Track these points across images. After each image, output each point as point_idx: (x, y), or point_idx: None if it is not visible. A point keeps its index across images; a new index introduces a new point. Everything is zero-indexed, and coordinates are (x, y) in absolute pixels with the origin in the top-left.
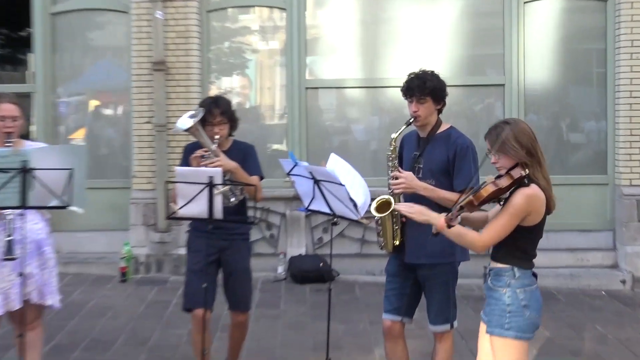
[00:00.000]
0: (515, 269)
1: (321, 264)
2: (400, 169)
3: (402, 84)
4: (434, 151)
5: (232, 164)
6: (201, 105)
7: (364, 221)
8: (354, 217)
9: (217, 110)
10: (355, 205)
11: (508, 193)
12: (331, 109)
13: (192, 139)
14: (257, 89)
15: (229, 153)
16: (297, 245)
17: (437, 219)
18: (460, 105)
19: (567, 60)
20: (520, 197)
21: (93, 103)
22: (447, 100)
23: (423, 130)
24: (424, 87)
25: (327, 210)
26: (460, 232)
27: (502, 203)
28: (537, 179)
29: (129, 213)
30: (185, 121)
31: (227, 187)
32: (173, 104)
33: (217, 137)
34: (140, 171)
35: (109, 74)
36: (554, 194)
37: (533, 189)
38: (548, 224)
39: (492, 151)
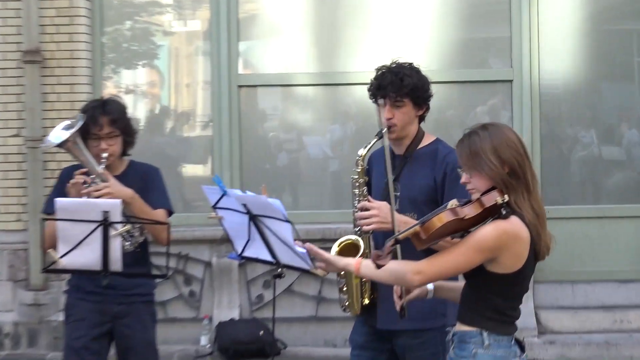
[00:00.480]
0: (485, 334)
1: (261, 333)
2: (370, 198)
3: (370, 81)
4: (415, 173)
5: (126, 192)
6: (83, 111)
7: (320, 272)
8: (306, 267)
9: (104, 119)
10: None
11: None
12: (274, 115)
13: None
14: (170, 87)
15: (123, 178)
16: (227, 307)
17: (349, 264)
18: (452, 109)
19: (597, 47)
20: (491, 228)
21: None
22: (433, 103)
23: (399, 144)
24: (401, 86)
25: (268, 257)
26: (391, 269)
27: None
28: (521, 210)
29: None
30: (58, 133)
31: (128, 226)
32: (52, 109)
33: (104, 155)
34: (5, 204)
35: None
36: (548, 232)
37: (512, 222)
38: (573, 272)
39: (462, 167)
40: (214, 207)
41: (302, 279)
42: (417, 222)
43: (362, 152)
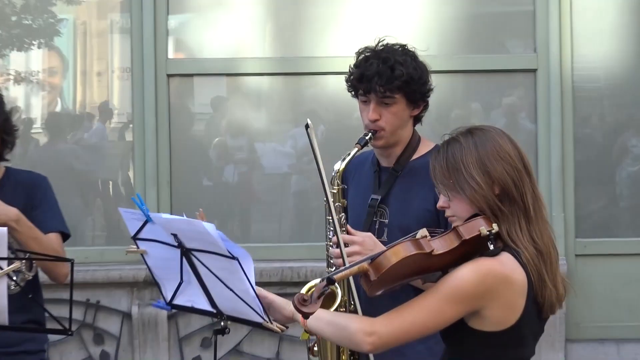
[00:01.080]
0: None
1: None
2: (350, 228)
3: (349, 70)
4: (409, 193)
5: (9, 213)
6: None
7: (276, 327)
8: (258, 319)
9: None
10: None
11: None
12: (216, 114)
13: None
14: (76, 75)
15: None
16: None
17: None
18: (457, 107)
19: None
20: (470, 269)
21: None
22: (432, 99)
23: (388, 154)
24: (391, 77)
25: (207, 306)
26: (337, 323)
27: None
28: (515, 245)
29: None
30: None
31: (17, 264)
32: None
33: None
34: None
35: None
36: (560, 274)
37: (501, 261)
38: (618, 328)
39: (437, 187)
40: (135, 237)
41: (254, 336)
42: (367, 256)
43: (338, 166)
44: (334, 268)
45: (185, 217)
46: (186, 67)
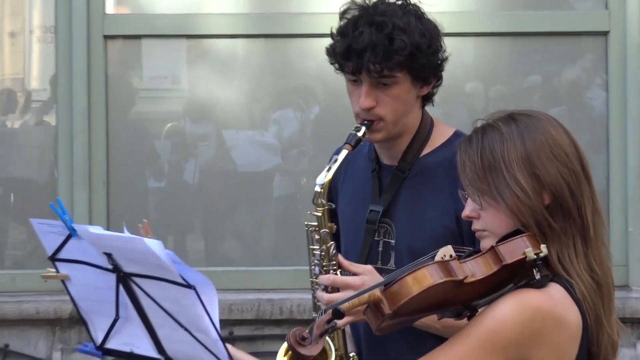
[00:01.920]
0: None
1: None
2: (343, 259)
3: (331, 37)
4: (421, 200)
5: None
6: None
7: None
8: None
9: None
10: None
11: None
12: (171, 90)
13: None
14: None
15: None
16: None
17: None
18: (502, 81)
19: None
20: (513, 308)
21: None
22: (469, 72)
23: (390, 147)
24: (390, 51)
25: (150, 351)
26: None
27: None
28: (568, 273)
29: None
30: None
31: None
32: None
33: None
34: None
35: None
36: (614, 317)
37: (550, 295)
38: None
39: (466, 190)
40: (53, 258)
41: None
42: (380, 281)
43: (323, 179)
44: (322, 313)
45: (124, 233)
46: (130, 25)
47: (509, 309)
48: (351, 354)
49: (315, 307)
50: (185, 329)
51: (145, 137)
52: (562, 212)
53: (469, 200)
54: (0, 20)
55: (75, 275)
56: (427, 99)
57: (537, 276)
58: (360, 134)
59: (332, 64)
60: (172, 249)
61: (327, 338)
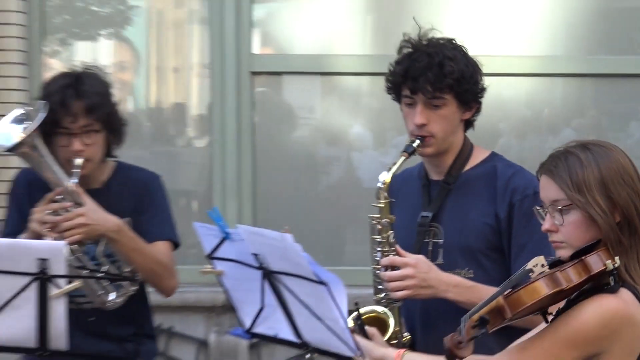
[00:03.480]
0: None
1: None
2: (400, 249)
3: (390, 67)
4: (466, 208)
5: (109, 223)
6: (45, 95)
7: None
8: (348, 352)
9: (79, 104)
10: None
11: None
12: (307, 118)
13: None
14: (149, 71)
15: (105, 193)
16: None
17: (386, 356)
18: (584, 115)
19: None
20: (595, 311)
21: None
22: (555, 107)
23: (438, 163)
24: (441, 75)
25: (290, 335)
26: None
27: (551, 316)
28: (634, 281)
29: None
30: (11, 131)
31: (77, 283)
32: None
33: (78, 161)
34: None
35: None
36: None
37: (624, 300)
38: None
39: (548, 208)
40: (211, 256)
41: None
42: (498, 290)
43: (384, 177)
44: (383, 294)
45: (271, 232)
46: (273, 64)
47: (592, 313)
48: (405, 334)
49: (376, 291)
50: (319, 319)
51: (286, 157)
52: (629, 229)
53: (548, 216)
54: (166, 58)
55: (228, 270)
56: (468, 124)
57: (612, 283)
58: (415, 144)
59: (389, 92)
60: (307, 252)
61: (390, 315)
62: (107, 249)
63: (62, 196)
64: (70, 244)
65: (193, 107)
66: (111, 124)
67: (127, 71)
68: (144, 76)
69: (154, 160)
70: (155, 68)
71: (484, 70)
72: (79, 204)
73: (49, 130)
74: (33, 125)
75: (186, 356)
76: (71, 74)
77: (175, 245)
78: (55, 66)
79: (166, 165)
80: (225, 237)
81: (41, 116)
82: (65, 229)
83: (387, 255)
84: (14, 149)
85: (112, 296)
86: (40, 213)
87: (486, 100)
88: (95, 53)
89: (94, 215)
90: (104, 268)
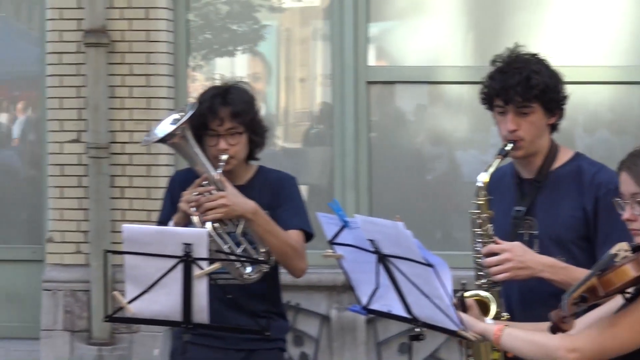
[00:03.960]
0: None
1: None
2: (497, 239)
3: (484, 81)
4: (556, 203)
5: (247, 206)
6: (198, 102)
7: (471, 336)
8: (453, 327)
9: (225, 110)
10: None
11: None
12: (416, 121)
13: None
14: (279, 81)
15: (248, 189)
16: None
17: (487, 331)
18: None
19: None
20: None
21: None
22: (612, 110)
23: (528, 164)
24: (528, 87)
25: (402, 312)
26: (538, 341)
27: (629, 294)
28: None
29: (40, 308)
30: (165, 127)
31: (217, 265)
32: (122, 107)
33: (223, 157)
34: (60, 231)
35: (4, 50)
36: None
37: None
38: None
39: (628, 200)
40: (332, 242)
41: (452, 344)
42: (589, 272)
43: (483, 177)
44: (483, 280)
45: (384, 221)
46: (386, 74)
47: None
48: (504, 314)
49: (477, 277)
50: (426, 297)
51: (397, 155)
52: None
53: (628, 207)
54: (293, 70)
55: (347, 255)
56: (554, 127)
57: None
58: (507, 148)
59: (483, 103)
60: (416, 238)
61: (491, 299)
62: (246, 230)
63: (207, 182)
64: (213, 222)
65: (317, 112)
66: (253, 128)
67: (260, 81)
68: (274, 86)
69: (283, 159)
70: (284, 78)
71: (569, 79)
72: (221, 190)
73: (200, 132)
74: (183, 118)
75: (311, 329)
76: (221, 86)
77: (309, 235)
78: (198, 78)
79: (294, 163)
80: (345, 225)
81: (190, 112)
82: (208, 208)
83: (487, 246)
84: (167, 138)
85: (248, 269)
86: (188, 194)
87: (570, 105)
88: (232, 66)
89: (234, 198)
90: (242, 247)
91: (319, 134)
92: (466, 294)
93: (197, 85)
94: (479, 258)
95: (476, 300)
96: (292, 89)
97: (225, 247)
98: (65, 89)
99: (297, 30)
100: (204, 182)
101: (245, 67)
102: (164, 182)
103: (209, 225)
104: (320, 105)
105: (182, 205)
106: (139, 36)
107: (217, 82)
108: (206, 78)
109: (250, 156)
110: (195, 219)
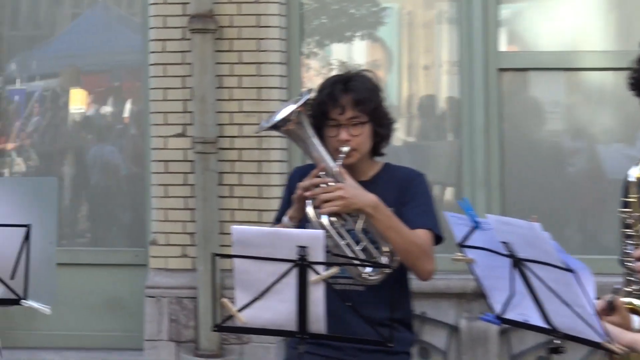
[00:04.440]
0: None
1: None
2: None
3: (634, 68)
4: None
5: (366, 199)
6: (318, 90)
7: (618, 348)
8: (597, 339)
9: (346, 98)
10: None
11: None
12: (553, 112)
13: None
14: (400, 69)
15: (371, 185)
16: None
17: (637, 342)
18: None
19: None
20: None
21: (75, 94)
22: None
23: None
24: None
25: (540, 321)
26: None
27: None
28: None
29: (143, 316)
30: (281, 114)
31: (335, 270)
32: (230, 98)
33: (344, 149)
34: (164, 232)
35: (104, 38)
36: None
37: None
38: None
39: None
40: (462, 245)
41: (594, 357)
42: None
43: (635, 171)
44: (636, 287)
45: (519, 221)
46: (519, 60)
47: None
48: None
49: (627, 283)
50: (567, 305)
51: (532, 149)
52: None
53: None
54: (417, 56)
55: (478, 259)
56: None
57: None
58: None
59: (632, 89)
60: (555, 240)
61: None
62: (367, 227)
63: (324, 173)
64: (329, 215)
65: (442, 102)
66: (378, 119)
67: (380, 69)
68: (395, 74)
69: (405, 154)
70: (407, 66)
71: None
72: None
73: (320, 123)
74: (300, 102)
75: (438, 341)
76: (343, 74)
77: (438, 238)
78: (312, 66)
79: (417, 158)
80: (476, 226)
81: (307, 96)
82: (324, 200)
83: (639, 248)
84: (281, 124)
85: (368, 269)
86: (304, 184)
87: None
88: (349, 53)
89: (353, 190)
90: (362, 245)
91: (445, 127)
92: (619, 299)
93: (311, 74)
94: (630, 262)
95: (629, 308)
96: (414, 77)
97: (342, 243)
98: (170, 79)
99: (420, 13)
100: (321, 173)
101: (364, 54)
102: (276, 180)
103: (325, 219)
104: (446, 95)
105: (298, 192)
106: (248, 21)
107: (334, 71)
108: (321, 66)
109: (375, 151)
110: (310, 211)
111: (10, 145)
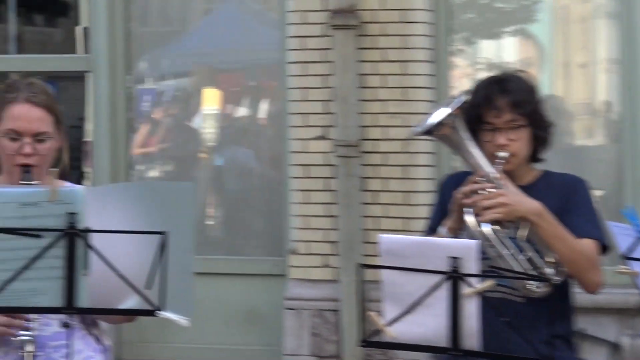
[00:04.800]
0: None
1: None
2: None
3: None
4: None
5: (530, 206)
6: (472, 93)
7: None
8: None
9: (503, 100)
10: None
11: None
12: None
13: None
14: (554, 68)
15: (530, 191)
16: None
17: None
18: None
19: None
20: None
21: (208, 94)
22: None
23: None
24: None
25: None
26: None
27: None
28: None
29: (283, 329)
30: (434, 118)
31: (491, 282)
32: (374, 98)
33: (502, 154)
34: (304, 241)
35: (239, 34)
36: None
37: None
38: None
39: None
40: (627, 257)
41: None
42: None
43: None
44: None
45: None
46: None
47: None
48: None
49: None
50: None
51: None
52: None
53: None
54: (572, 54)
55: None
56: None
57: None
58: None
59: None
60: None
61: None
62: (529, 236)
63: (483, 179)
64: (491, 223)
65: (601, 103)
66: (536, 122)
67: (532, 67)
68: (549, 72)
69: (560, 158)
70: (561, 64)
71: None
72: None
73: (475, 127)
74: (455, 104)
75: (598, 359)
76: (497, 75)
77: (604, 248)
78: (459, 64)
79: (572, 162)
80: None
81: (461, 100)
82: (485, 207)
83: None
84: (434, 129)
85: (532, 285)
86: (463, 190)
87: None
88: (499, 50)
89: (515, 196)
90: (526, 254)
91: (604, 129)
92: None
93: (458, 73)
94: None
95: None
96: (570, 76)
97: (506, 253)
98: (310, 78)
99: (575, 7)
100: (480, 179)
101: (515, 52)
102: (423, 186)
103: (486, 227)
104: (604, 95)
105: (455, 202)
106: (392, 16)
107: (482, 69)
108: (469, 64)
109: (534, 157)
110: (470, 220)
111: (140, 150)
